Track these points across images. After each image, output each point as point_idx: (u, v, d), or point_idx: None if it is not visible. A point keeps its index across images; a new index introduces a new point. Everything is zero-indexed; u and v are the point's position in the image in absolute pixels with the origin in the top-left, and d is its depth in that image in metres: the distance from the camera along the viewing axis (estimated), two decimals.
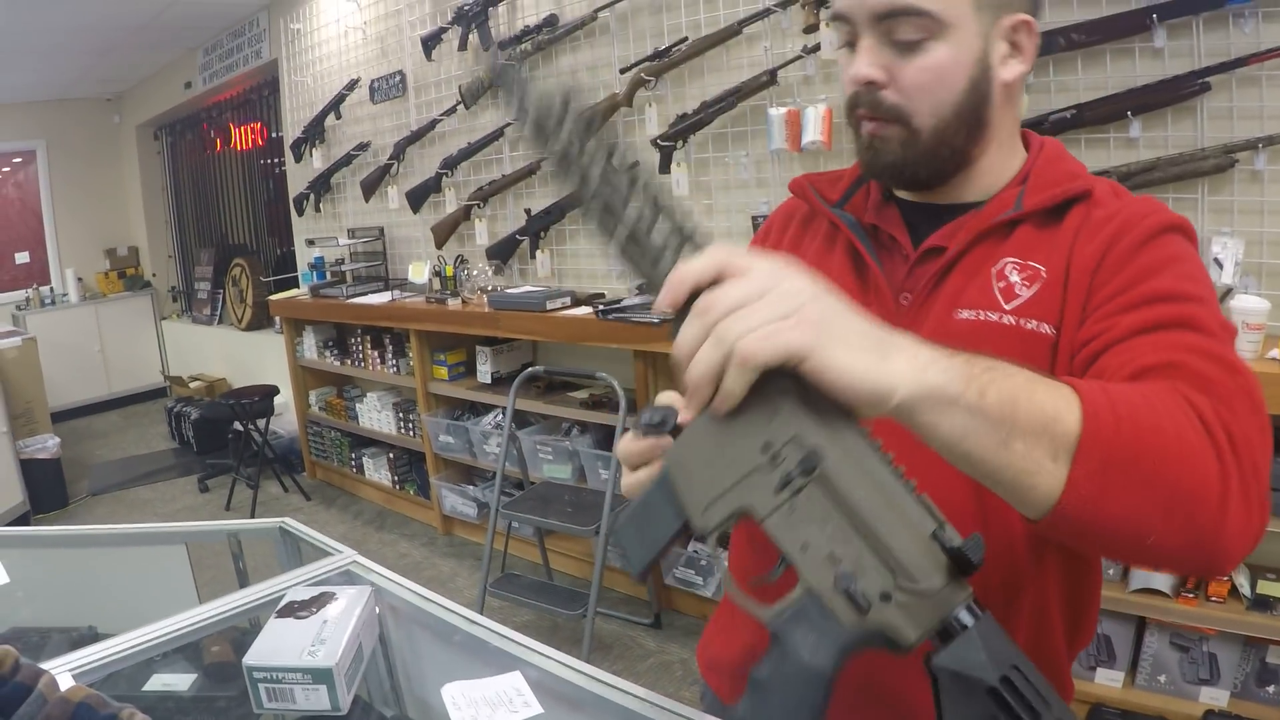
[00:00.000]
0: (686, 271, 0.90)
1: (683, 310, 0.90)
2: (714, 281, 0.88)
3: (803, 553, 0.86)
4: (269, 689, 1.73)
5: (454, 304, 5.79)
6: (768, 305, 0.85)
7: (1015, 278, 1.30)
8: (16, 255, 10.72)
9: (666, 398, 1.04)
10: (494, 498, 5.00)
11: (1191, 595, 3.26)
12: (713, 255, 0.89)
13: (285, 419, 8.06)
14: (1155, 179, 3.19)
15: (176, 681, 1.97)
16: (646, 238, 0.96)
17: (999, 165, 1.39)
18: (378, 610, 1.98)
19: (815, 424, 0.87)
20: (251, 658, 1.73)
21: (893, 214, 1.43)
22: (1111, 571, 3.45)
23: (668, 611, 5.07)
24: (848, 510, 0.84)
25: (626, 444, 1.06)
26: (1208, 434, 0.95)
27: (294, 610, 1.88)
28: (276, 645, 1.76)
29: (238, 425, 7.56)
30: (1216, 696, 3.35)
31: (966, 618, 0.81)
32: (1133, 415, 0.93)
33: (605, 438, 5.23)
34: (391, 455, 6.92)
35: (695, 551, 4.88)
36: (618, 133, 0.95)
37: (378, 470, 7.07)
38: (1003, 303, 1.29)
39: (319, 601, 1.91)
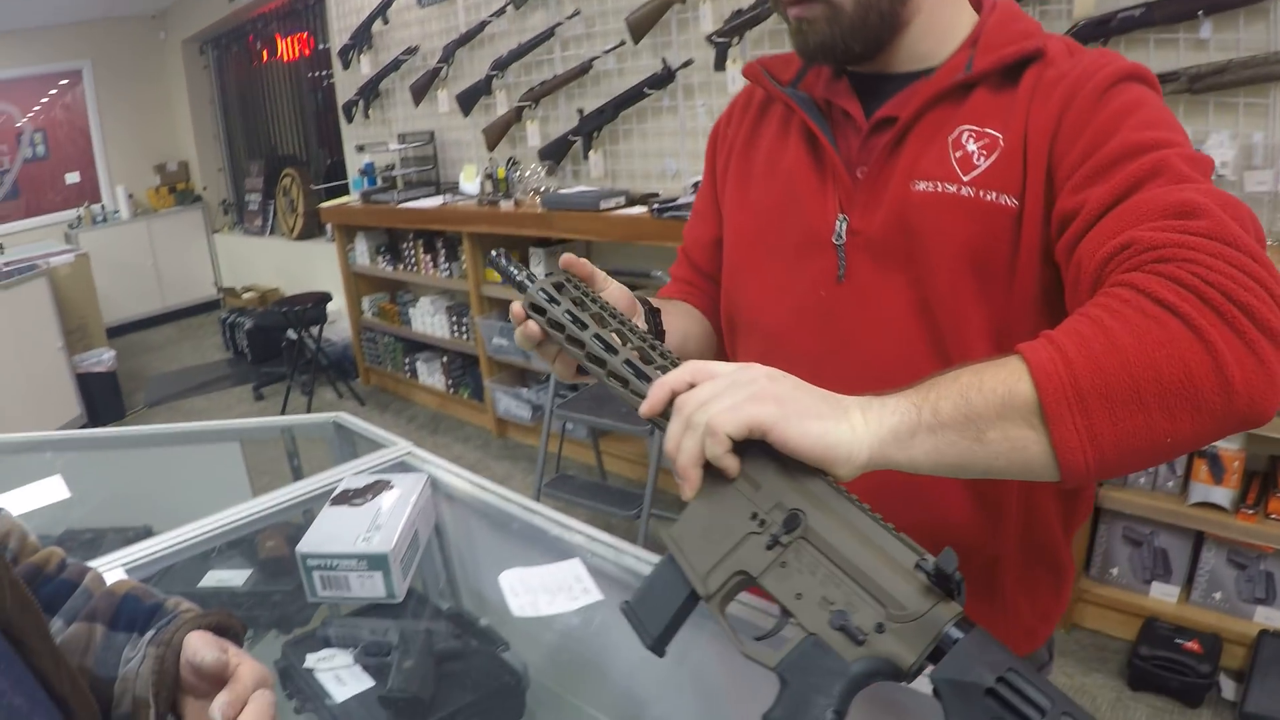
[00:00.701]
0: (664, 381, 1.05)
1: (665, 414, 1.04)
2: (689, 386, 1.02)
3: (798, 601, 0.94)
4: (323, 577, 1.70)
5: (506, 206, 5.73)
6: (730, 391, 0.98)
7: (972, 146, 1.27)
8: (67, 175, 10.72)
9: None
10: (548, 399, 4.97)
11: (1251, 511, 3.20)
12: (686, 366, 1.05)
13: (338, 326, 8.07)
14: (1226, 82, 3.08)
15: (231, 577, 1.96)
16: (639, 370, 1.11)
17: (943, 27, 1.35)
18: (433, 499, 1.95)
19: (794, 489, 0.98)
20: (305, 545, 1.71)
21: (843, 87, 1.41)
22: (1171, 484, 3.39)
23: None
24: (833, 557, 0.94)
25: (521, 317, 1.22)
26: (1173, 313, 0.94)
27: (348, 498, 1.85)
28: (330, 533, 1.74)
29: (291, 333, 7.58)
30: (1272, 616, 3.30)
31: (956, 633, 0.87)
32: (1085, 348, 0.94)
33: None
34: (445, 359, 6.93)
35: None
36: (599, 298, 1.04)
37: (431, 374, 7.08)
38: (960, 174, 1.27)
39: (374, 489, 1.88)
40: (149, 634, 1.13)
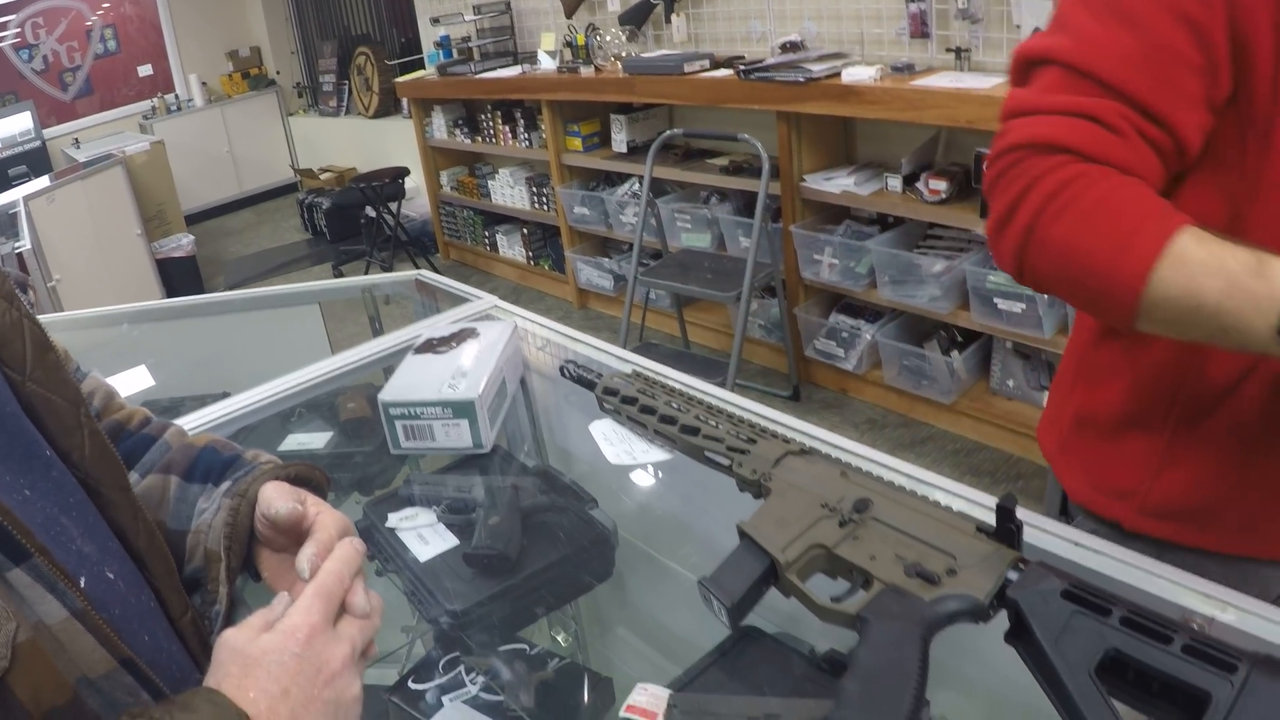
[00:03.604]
0: None
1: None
2: None
3: (872, 561, 0.99)
4: (406, 427, 1.64)
5: (586, 72, 5.62)
6: None
7: None
8: (139, 68, 10.70)
9: None
10: (632, 267, 4.90)
11: None
12: None
13: (417, 202, 8.06)
14: None
15: (311, 440, 1.96)
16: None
17: None
18: (520, 351, 1.86)
19: (859, 487, 1.09)
20: (387, 394, 1.64)
21: None
22: None
23: (806, 385, 5.00)
24: (901, 527, 1.01)
25: None
26: None
27: (433, 347, 1.78)
28: (414, 381, 1.67)
29: (369, 210, 7.56)
30: None
31: (1015, 574, 0.93)
32: None
33: (746, 204, 5.05)
34: (525, 231, 6.90)
35: (837, 322, 4.73)
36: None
37: (511, 247, 7.07)
38: None
39: (459, 337, 1.81)
40: (224, 485, 1.10)
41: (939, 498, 1.06)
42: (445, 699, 1.59)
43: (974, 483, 1.18)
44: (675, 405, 1.31)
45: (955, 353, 4.38)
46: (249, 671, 0.82)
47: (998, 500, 0.95)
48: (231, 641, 0.85)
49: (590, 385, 1.42)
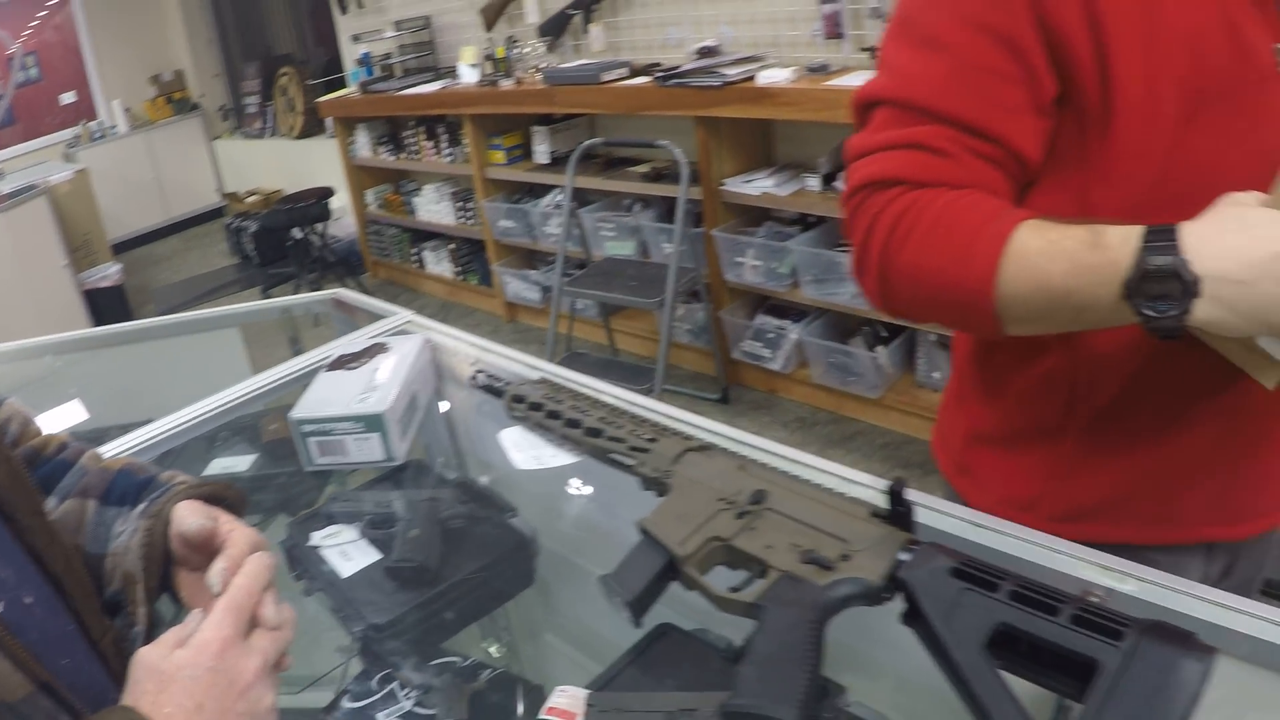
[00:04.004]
0: None
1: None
2: None
3: (768, 550, 1.02)
4: (319, 443, 1.67)
5: (507, 85, 5.64)
6: None
7: None
8: (62, 96, 10.57)
9: None
10: (556, 278, 4.92)
11: None
12: None
13: (344, 222, 8.01)
14: None
15: (235, 463, 1.98)
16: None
17: None
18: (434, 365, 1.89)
19: (755, 480, 1.11)
20: (299, 411, 1.67)
21: None
22: None
23: (735, 387, 5.05)
24: (796, 516, 1.04)
25: None
26: None
27: (344, 363, 1.81)
28: (325, 397, 1.70)
29: (296, 232, 7.52)
30: None
31: (907, 555, 0.95)
32: None
33: (669, 210, 5.10)
34: (452, 246, 6.90)
35: (763, 324, 4.79)
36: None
37: (439, 263, 7.08)
38: None
39: (370, 353, 1.83)
40: (140, 507, 1.10)
41: (859, 492, 1.09)
42: (379, 716, 1.61)
43: (905, 475, 1.20)
44: (580, 409, 1.33)
45: (880, 348, 4.44)
46: (164, 688, 0.84)
47: (888, 484, 0.98)
48: (146, 659, 0.87)
49: (499, 394, 1.44)
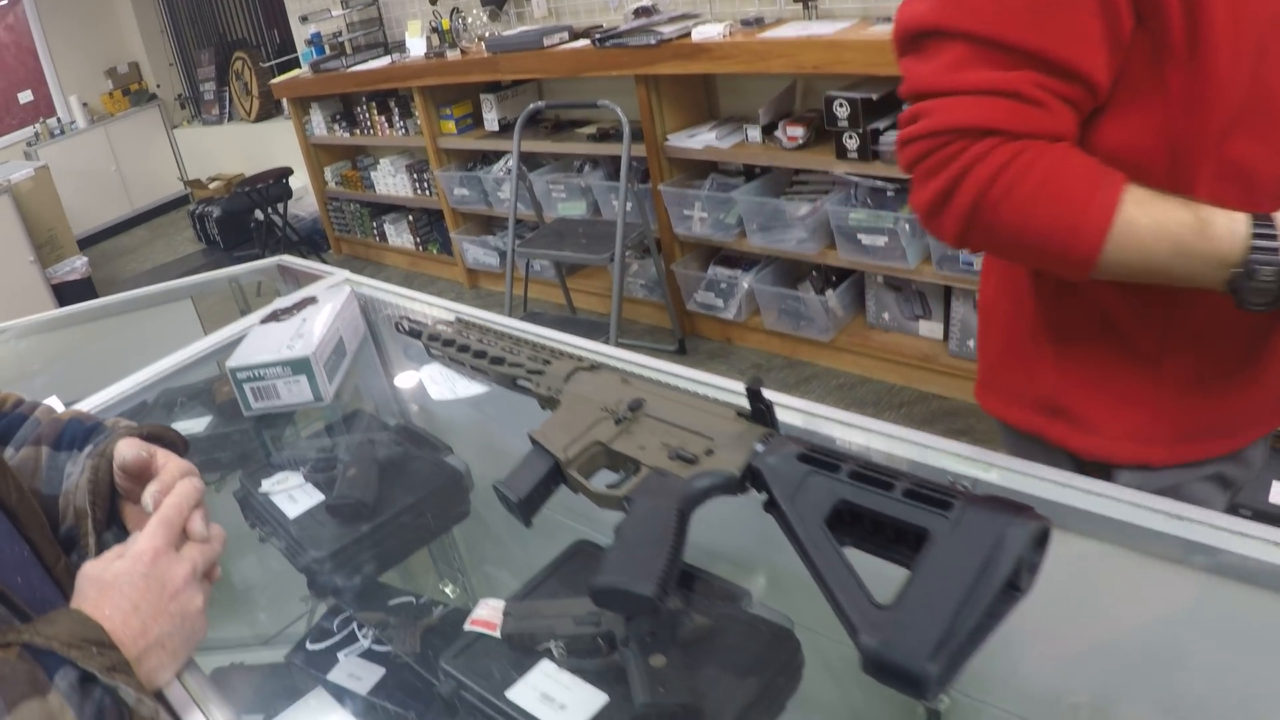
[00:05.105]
0: None
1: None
2: None
3: (641, 450, 1.10)
4: (254, 388, 1.74)
5: (453, 55, 5.68)
6: None
7: None
8: (19, 95, 10.53)
9: None
10: (509, 240, 5.00)
11: None
12: None
13: (305, 201, 8.06)
14: None
15: (192, 425, 2.02)
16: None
17: None
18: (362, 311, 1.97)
19: (633, 391, 1.20)
20: (234, 361, 1.74)
21: None
22: None
23: (692, 338, 5.13)
24: (669, 419, 1.13)
25: None
26: None
27: (276, 316, 1.88)
28: (258, 346, 1.78)
29: (258, 214, 7.58)
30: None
31: (761, 446, 1.02)
32: None
33: (617, 169, 5.15)
34: (411, 218, 6.96)
35: (715, 274, 4.87)
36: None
37: (399, 235, 7.14)
38: None
39: (300, 305, 1.92)
40: (87, 449, 1.22)
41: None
42: (340, 655, 1.71)
43: (860, 413, 1.26)
44: (486, 342, 1.41)
45: (830, 291, 4.51)
46: (104, 593, 0.98)
47: (746, 384, 1.05)
48: (89, 571, 1.01)
49: (419, 335, 1.52)
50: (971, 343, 4.06)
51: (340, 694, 1.65)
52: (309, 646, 1.76)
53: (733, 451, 1.04)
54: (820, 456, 0.96)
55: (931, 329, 4.33)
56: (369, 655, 1.68)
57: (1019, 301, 1.49)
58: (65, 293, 7.65)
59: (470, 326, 1.49)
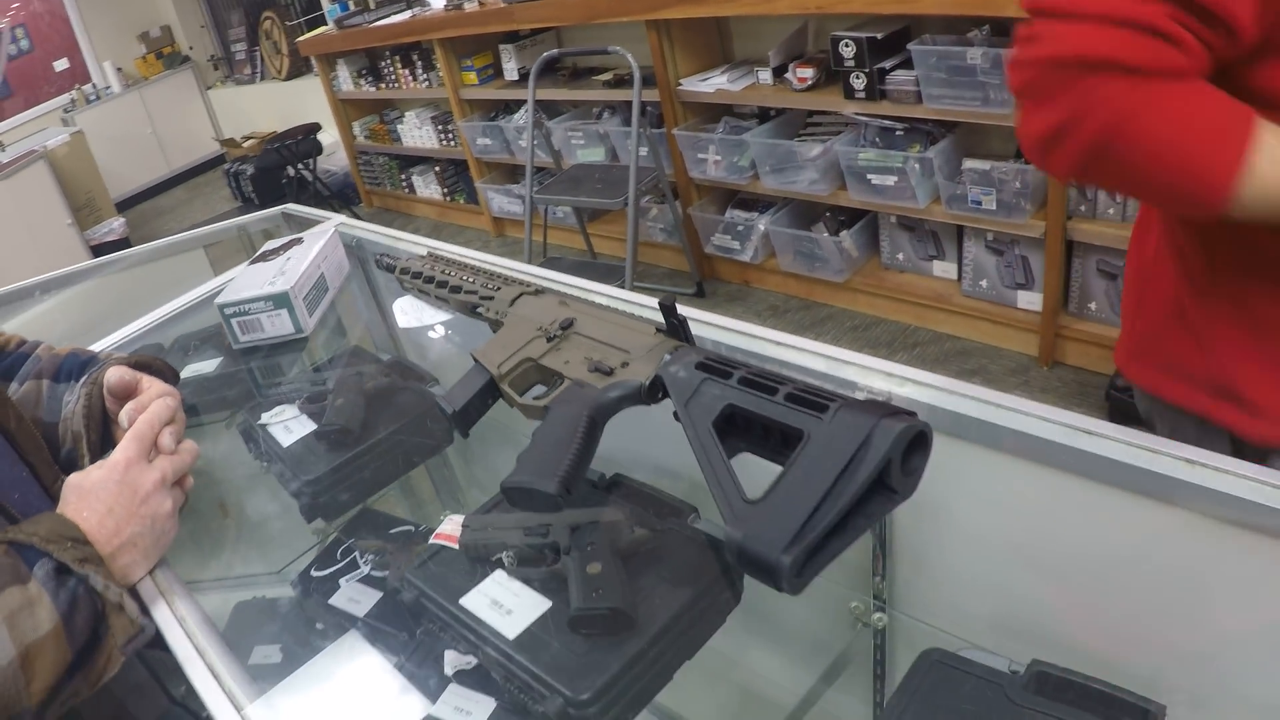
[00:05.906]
0: None
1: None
2: None
3: (566, 365, 1.18)
4: (240, 323, 1.84)
5: (470, 6, 5.73)
6: None
7: None
8: (55, 64, 10.66)
9: None
10: (527, 187, 5.08)
11: None
12: None
13: (336, 157, 8.14)
14: None
15: (204, 366, 2.11)
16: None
17: None
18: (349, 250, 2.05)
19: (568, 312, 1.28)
20: (222, 298, 1.83)
21: None
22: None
23: (710, 281, 5.18)
24: (594, 336, 1.20)
25: None
26: None
27: (265, 257, 1.97)
28: (246, 283, 1.87)
29: (290, 170, 7.67)
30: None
31: (669, 357, 1.09)
32: None
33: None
34: (438, 169, 7.04)
35: (732, 217, 4.91)
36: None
37: (427, 186, 7.23)
38: None
39: (288, 246, 2.01)
40: (83, 379, 1.36)
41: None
42: (341, 581, 1.80)
43: (873, 354, 1.25)
44: (448, 273, 1.51)
45: (844, 232, 4.54)
46: (83, 498, 1.11)
47: (659, 301, 1.12)
48: (71, 480, 1.14)
49: (393, 270, 1.61)
50: (984, 282, 4.09)
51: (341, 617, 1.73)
52: (314, 573, 1.85)
53: (645, 364, 1.11)
54: (715, 365, 1.02)
55: (945, 269, 4.35)
56: (368, 580, 1.76)
57: (1190, 268, 1.37)
58: (104, 253, 7.70)
59: (438, 260, 1.56)
